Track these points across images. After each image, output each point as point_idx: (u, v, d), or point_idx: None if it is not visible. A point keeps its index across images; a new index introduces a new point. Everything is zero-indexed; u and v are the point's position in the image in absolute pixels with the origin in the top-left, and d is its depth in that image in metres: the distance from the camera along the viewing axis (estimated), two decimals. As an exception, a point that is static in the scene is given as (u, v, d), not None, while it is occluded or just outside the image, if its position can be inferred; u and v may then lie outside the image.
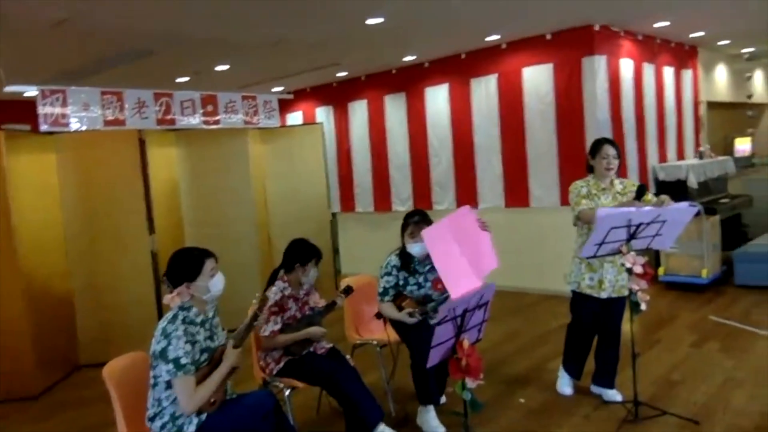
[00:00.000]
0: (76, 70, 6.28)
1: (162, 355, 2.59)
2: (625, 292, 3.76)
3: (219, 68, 6.89)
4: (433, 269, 3.67)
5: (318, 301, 3.66)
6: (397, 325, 3.82)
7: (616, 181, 3.91)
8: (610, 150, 3.82)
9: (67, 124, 5.15)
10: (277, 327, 3.45)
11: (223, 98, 5.85)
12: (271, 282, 3.57)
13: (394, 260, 3.79)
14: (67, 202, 5.62)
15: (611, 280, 3.81)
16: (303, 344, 3.52)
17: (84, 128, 5.28)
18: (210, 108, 5.76)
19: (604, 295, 3.83)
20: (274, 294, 3.49)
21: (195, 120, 5.65)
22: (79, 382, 5.33)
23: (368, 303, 4.26)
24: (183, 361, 2.59)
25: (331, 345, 3.69)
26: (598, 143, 3.92)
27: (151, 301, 5.72)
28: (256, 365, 3.60)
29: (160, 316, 5.74)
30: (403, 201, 8.21)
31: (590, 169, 3.94)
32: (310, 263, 3.56)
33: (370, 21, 5.40)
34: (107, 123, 5.29)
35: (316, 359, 3.52)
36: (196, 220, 6.37)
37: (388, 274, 3.77)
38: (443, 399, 3.91)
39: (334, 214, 8.92)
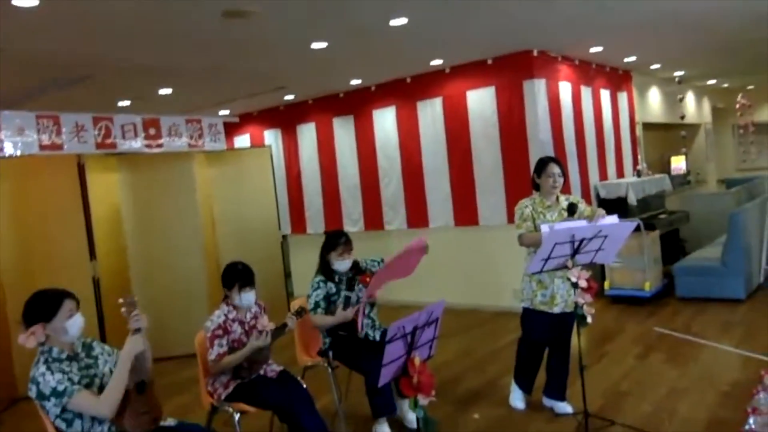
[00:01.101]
0: (12, 96, 6.06)
1: (40, 396, 2.51)
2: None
3: (162, 92, 6.77)
4: (355, 274, 4.00)
5: (266, 324, 3.58)
6: (341, 355, 3.91)
7: (562, 198, 4.02)
8: (554, 168, 3.92)
9: (0, 149, 4.95)
10: (223, 350, 3.37)
11: (166, 122, 5.75)
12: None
13: (319, 277, 3.97)
14: (3, 228, 5.37)
15: (563, 295, 3.89)
16: (251, 368, 3.43)
17: (18, 153, 5.09)
18: (152, 131, 5.65)
19: (557, 310, 3.90)
20: (216, 317, 3.44)
21: (137, 144, 5.52)
22: (17, 414, 5.07)
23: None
24: (60, 387, 2.51)
25: (281, 368, 3.62)
26: (543, 162, 4.02)
27: (92, 328, 5.49)
28: (203, 391, 3.49)
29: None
30: (354, 222, 8.20)
31: (536, 187, 4.03)
32: (234, 288, 3.49)
33: (315, 45, 5.43)
34: (43, 147, 5.11)
35: (266, 383, 3.45)
36: (140, 246, 6.19)
37: (317, 288, 3.93)
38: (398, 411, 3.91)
39: (285, 237, 8.83)
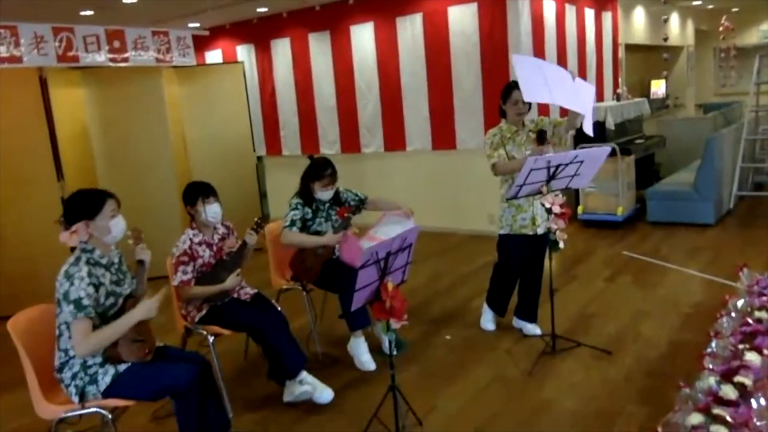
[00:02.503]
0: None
1: (65, 297, 2.49)
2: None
3: (126, 1, 6.37)
4: (333, 206, 3.95)
5: (233, 245, 3.55)
6: (319, 279, 3.89)
7: (527, 121, 3.96)
8: (518, 95, 3.80)
9: (-47, 61, 4.67)
10: (187, 277, 3.32)
11: (131, 34, 5.45)
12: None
13: (298, 199, 3.91)
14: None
15: (543, 216, 3.88)
16: (222, 293, 3.42)
17: (-26, 66, 4.81)
18: (117, 44, 5.36)
19: (540, 231, 3.92)
20: (182, 243, 3.37)
21: (100, 57, 5.25)
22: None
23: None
24: (84, 302, 2.50)
25: (255, 291, 3.62)
26: (509, 88, 3.92)
27: (62, 250, 5.41)
28: (177, 313, 3.49)
29: (74, 267, 5.48)
30: (330, 144, 8.06)
31: (503, 114, 3.96)
32: (198, 201, 3.39)
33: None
34: (1, 60, 4.82)
35: (240, 306, 3.45)
36: (109, 165, 6.03)
37: (294, 209, 3.88)
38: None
39: (260, 158, 8.68)
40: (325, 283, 3.94)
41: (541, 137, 3.79)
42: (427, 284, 5.49)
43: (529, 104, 3.89)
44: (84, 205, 2.62)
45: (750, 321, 3.16)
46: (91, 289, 2.53)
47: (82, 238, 2.58)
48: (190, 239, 3.40)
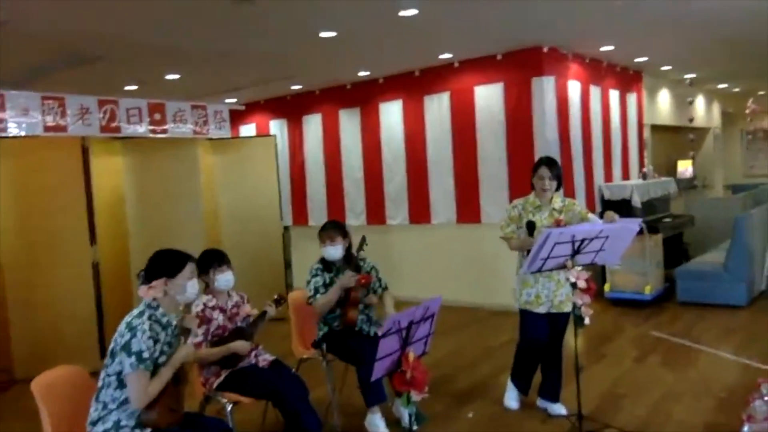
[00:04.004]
0: (19, 74, 6.05)
1: (125, 347, 2.54)
2: (565, 308, 3.86)
3: (169, 77, 6.75)
4: (356, 268, 3.99)
5: (248, 311, 3.59)
6: (335, 348, 3.92)
7: (557, 199, 3.99)
8: (545, 172, 3.90)
9: (4, 129, 4.94)
10: (198, 339, 3.33)
11: (171, 107, 5.73)
12: None
13: (318, 265, 4.04)
14: (4, 210, 5.38)
15: (548, 295, 3.87)
16: (237, 357, 3.42)
17: (23, 134, 5.08)
18: (157, 117, 5.63)
19: (542, 309, 3.88)
20: (195, 306, 3.41)
21: (141, 128, 5.51)
22: (14, 397, 5.07)
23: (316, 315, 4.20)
24: (145, 355, 2.55)
25: (274, 357, 3.61)
26: (537, 164, 4.01)
27: (90, 315, 5.51)
28: (197, 380, 3.48)
29: (101, 330, 5.55)
30: (357, 215, 8.18)
31: (533, 186, 4.02)
32: (211, 269, 3.47)
33: (323, 34, 5.40)
34: (47, 129, 5.10)
35: (258, 371, 3.44)
36: (141, 231, 6.19)
37: (315, 276, 4.00)
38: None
39: (286, 228, 8.82)
40: (345, 355, 3.91)
41: (529, 229, 3.82)
42: (450, 358, 5.39)
43: (558, 183, 3.94)
44: (167, 264, 2.76)
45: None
46: (150, 343, 2.59)
47: (157, 294, 2.70)
48: (204, 303, 3.45)
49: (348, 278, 3.86)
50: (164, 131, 5.72)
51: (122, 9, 4.39)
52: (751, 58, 8.63)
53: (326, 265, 4.02)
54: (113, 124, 5.37)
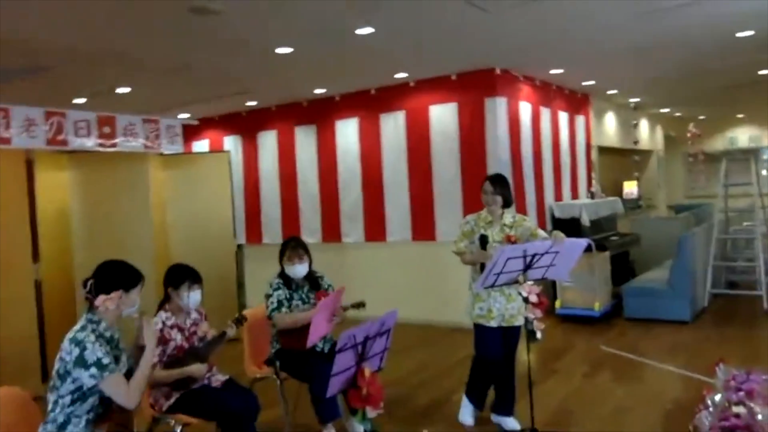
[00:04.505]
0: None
1: (79, 362, 2.47)
2: (516, 322, 3.94)
3: (120, 90, 6.61)
4: (311, 288, 4.02)
5: (206, 330, 3.48)
6: (289, 366, 3.88)
7: (508, 215, 4.07)
8: (487, 187, 4.02)
9: (-58, 141, 4.73)
10: (154, 360, 3.23)
11: (121, 120, 5.58)
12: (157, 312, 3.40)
13: (278, 279, 3.99)
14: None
15: (499, 309, 3.93)
16: (191, 380, 3.32)
17: (-38, 146, 4.86)
18: (107, 130, 5.47)
19: (493, 323, 3.94)
20: (154, 324, 3.29)
21: (90, 142, 5.34)
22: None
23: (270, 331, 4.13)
24: (105, 360, 2.50)
25: (227, 377, 3.52)
26: (484, 179, 4.10)
27: (32, 335, 5.27)
28: (145, 401, 3.36)
29: (43, 352, 5.30)
30: (312, 232, 8.12)
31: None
32: (183, 285, 3.38)
33: (279, 50, 5.39)
34: (-11, 141, 4.90)
35: (210, 392, 3.34)
36: (87, 249, 5.98)
37: (277, 289, 3.94)
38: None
39: (240, 246, 8.69)
40: (299, 373, 3.86)
41: (482, 243, 3.90)
42: (407, 377, 5.37)
43: (503, 200, 4.01)
44: (123, 276, 2.72)
45: (729, 416, 3.15)
46: (105, 349, 2.53)
47: (112, 306, 2.63)
48: (163, 322, 3.34)
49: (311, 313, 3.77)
50: (114, 145, 5.56)
51: (71, 18, 4.28)
52: (692, 86, 9.08)
53: (286, 280, 3.98)
54: (60, 137, 5.19)
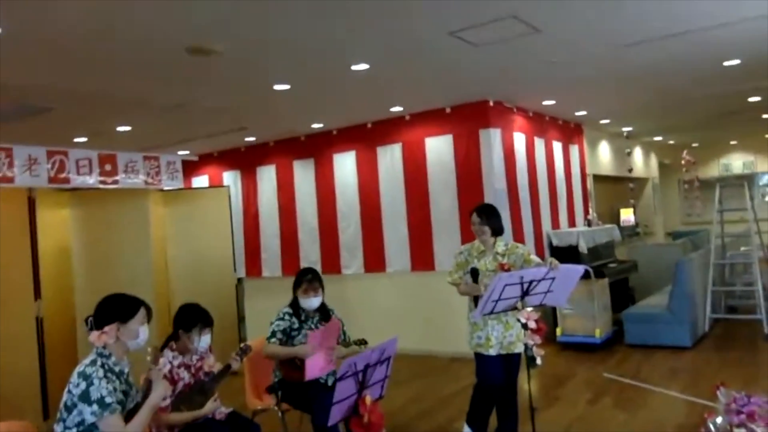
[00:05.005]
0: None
1: (83, 397, 2.48)
2: (515, 349, 3.97)
3: (120, 129, 6.73)
4: (319, 322, 4.00)
5: (212, 365, 3.49)
6: (290, 396, 3.88)
7: (500, 243, 4.13)
8: (474, 218, 4.11)
9: (-53, 181, 4.80)
10: (165, 403, 3.19)
11: (122, 158, 5.67)
12: (162, 350, 3.41)
13: (287, 309, 4.00)
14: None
15: (497, 337, 3.97)
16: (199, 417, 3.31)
17: (-34, 185, 4.94)
18: (108, 168, 5.56)
19: (492, 352, 3.97)
20: (162, 365, 3.29)
21: (91, 179, 5.42)
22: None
23: (271, 367, 4.14)
24: (108, 400, 2.49)
25: (230, 410, 3.52)
26: (472, 211, 4.16)
27: (33, 372, 5.26)
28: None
29: (44, 388, 5.29)
30: (311, 264, 8.06)
31: None
32: (195, 329, 3.41)
33: (277, 87, 5.52)
34: (-7, 180, 4.97)
35: (213, 425, 3.34)
36: (88, 286, 6.00)
37: (281, 319, 3.94)
38: None
39: (240, 280, 8.70)
40: (300, 404, 3.87)
41: (473, 276, 3.97)
42: (408, 406, 5.35)
43: (491, 230, 4.07)
44: (119, 308, 2.72)
45: (730, 439, 3.15)
46: (111, 387, 2.53)
47: (109, 339, 2.63)
48: (170, 362, 3.35)
49: (302, 349, 3.77)
50: (115, 182, 5.64)
51: (69, 62, 4.39)
52: (684, 113, 9.23)
53: (295, 310, 3.98)
54: (62, 175, 5.27)
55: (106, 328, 2.64)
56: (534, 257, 4.08)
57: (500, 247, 4.10)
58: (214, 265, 7.05)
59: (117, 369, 2.67)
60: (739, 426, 3.26)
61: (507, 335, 3.96)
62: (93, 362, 2.59)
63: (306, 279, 4.00)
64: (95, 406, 2.46)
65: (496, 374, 4.00)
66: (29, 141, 5.44)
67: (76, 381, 2.53)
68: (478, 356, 4.04)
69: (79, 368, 2.58)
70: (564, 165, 8.60)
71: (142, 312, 2.76)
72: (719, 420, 3.38)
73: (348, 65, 5.01)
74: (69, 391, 2.53)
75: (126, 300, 2.77)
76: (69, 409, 2.52)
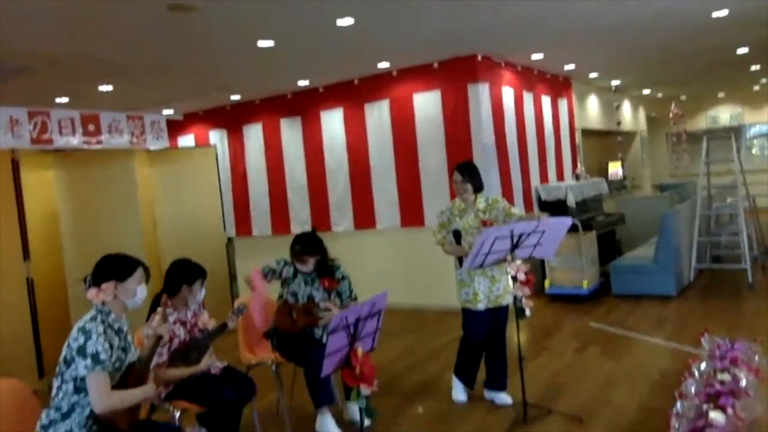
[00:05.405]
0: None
1: (80, 351, 2.52)
2: (503, 302, 4.04)
3: (102, 89, 6.58)
4: (318, 275, 3.99)
5: (207, 321, 3.53)
6: (283, 348, 3.91)
7: (481, 199, 4.14)
8: (456, 176, 4.11)
9: (-74, 143, 4.72)
10: (162, 359, 3.26)
11: (105, 118, 5.60)
12: (153, 308, 3.40)
13: (287, 258, 4.02)
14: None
15: (484, 292, 4.04)
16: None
17: (-53, 148, 4.86)
18: (91, 128, 5.48)
19: (481, 306, 4.04)
20: (156, 322, 3.32)
21: (75, 140, 5.36)
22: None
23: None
24: (102, 356, 2.53)
25: (225, 364, 3.57)
26: (454, 169, 4.15)
27: (26, 333, 5.29)
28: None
29: (38, 347, 5.33)
30: (301, 223, 8.15)
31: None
32: (197, 282, 3.45)
33: (261, 44, 5.41)
34: (-26, 142, 4.89)
35: (208, 379, 3.39)
36: (77, 247, 5.99)
37: (278, 261, 4.00)
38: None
39: (230, 239, 8.71)
40: (292, 356, 3.91)
41: (456, 237, 4.00)
42: (399, 359, 5.45)
43: (474, 186, 4.08)
44: (117, 267, 2.74)
45: (713, 383, 3.24)
46: (107, 346, 2.58)
47: (107, 297, 2.67)
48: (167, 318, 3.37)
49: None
50: (99, 142, 5.57)
51: (48, 23, 4.26)
52: (672, 66, 9.17)
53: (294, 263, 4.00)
54: (45, 136, 5.21)
55: (104, 286, 2.66)
56: (515, 210, 4.11)
57: (481, 203, 4.12)
58: (203, 225, 7.04)
59: (116, 326, 2.71)
60: (722, 371, 3.36)
61: (494, 289, 4.03)
62: (93, 318, 2.62)
63: (294, 250, 3.96)
64: (89, 360, 2.50)
65: (481, 330, 4.09)
66: (10, 102, 5.34)
67: (75, 335, 2.57)
68: (466, 311, 4.12)
69: (80, 323, 2.61)
70: (552, 119, 8.57)
71: (139, 272, 2.78)
72: (703, 365, 3.47)
73: (333, 19, 4.90)
74: (68, 345, 2.57)
75: (124, 260, 2.79)
76: (68, 363, 2.56)
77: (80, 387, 2.55)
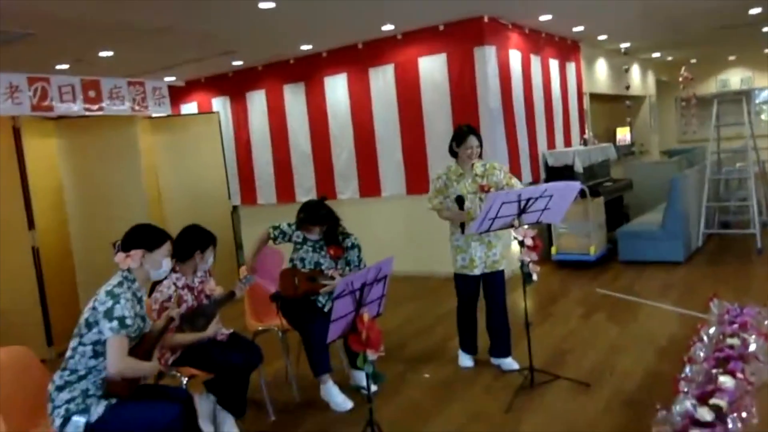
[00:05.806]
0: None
1: (107, 314, 2.55)
2: (498, 267, 4.05)
3: (103, 54, 6.49)
4: (326, 242, 3.94)
5: (213, 288, 3.52)
6: (288, 314, 3.88)
7: (478, 164, 4.07)
8: (473, 141, 4.01)
9: (-74, 110, 4.66)
10: (174, 323, 3.27)
11: (106, 84, 5.50)
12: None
13: (296, 224, 3.93)
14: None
15: (481, 257, 4.03)
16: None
17: (-53, 115, 4.80)
18: (92, 94, 5.39)
19: (477, 271, 4.04)
20: (166, 288, 3.32)
21: (75, 106, 5.27)
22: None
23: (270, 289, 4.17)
24: (128, 321, 2.57)
25: (231, 331, 3.57)
26: (463, 133, 4.06)
27: (33, 302, 5.31)
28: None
29: (45, 316, 5.35)
30: (306, 191, 8.11)
31: (454, 155, 4.09)
32: (209, 249, 3.45)
33: (262, 5, 5.28)
34: (-26, 109, 4.83)
35: (214, 345, 3.39)
36: (81, 216, 5.96)
37: (289, 224, 3.93)
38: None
39: (235, 207, 8.68)
40: (297, 321, 3.88)
41: (459, 203, 3.95)
42: (404, 325, 5.46)
43: (481, 148, 4.00)
44: (147, 237, 2.78)
45: (723, 347, 3.22)
46: (133, 312, 2.61)
47: (134, 264, 2.71)
48: (174, 284, 3.36)
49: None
50: (101, 109, 5.49)
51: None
52: (683, 28, 8.95)
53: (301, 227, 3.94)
54: (45, 103, 5.12)
55: (132, 252, 2.70)
56: (515, 181, 4.04)
57: (479, 168, 4.06)
58: (208, 194, 6.99)
59: (139, 294, 2.75)
60: (731, 335, 3.33)
61: (490, 254, 4.02)
62: (120, 284, 2.66)
63: (299, 217, 3.87)
64: (115, 323, 2.53)
65: (474, 292, 4.13)
66: (9, 69, 5.26)
67: (103, 299, 2.58)
68: (460, 277, 4.13)
69: (107, 287, 2.64)
70: (560, 83, 8.41)
71: (168, 245, 2.83)
72: (712, 330, 3.45)
73: (336, -21, 4.77)
74: (93, 308, 2.58)
75: (155, 231, 2.84)
76: (90, 326, 2.57)
77: (99, 351, 2.57)
